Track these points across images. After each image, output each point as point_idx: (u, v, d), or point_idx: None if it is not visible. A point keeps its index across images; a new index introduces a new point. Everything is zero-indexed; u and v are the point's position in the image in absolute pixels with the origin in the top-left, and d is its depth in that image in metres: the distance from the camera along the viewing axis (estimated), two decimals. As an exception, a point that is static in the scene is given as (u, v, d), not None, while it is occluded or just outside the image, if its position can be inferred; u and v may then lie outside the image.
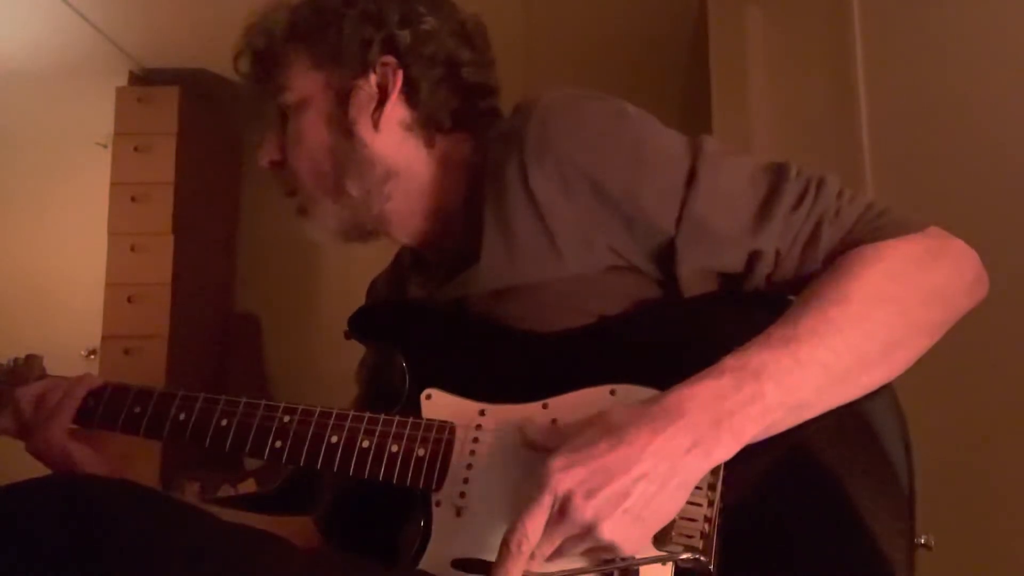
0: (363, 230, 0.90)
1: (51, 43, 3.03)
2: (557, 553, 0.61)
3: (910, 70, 1.59)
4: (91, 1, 2.78)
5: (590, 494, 0.59)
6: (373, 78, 0.85)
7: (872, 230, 0.72)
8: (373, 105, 0.85)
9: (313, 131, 0.86)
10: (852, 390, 0.67)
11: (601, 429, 0.62)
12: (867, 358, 0.66)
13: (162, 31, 3.04)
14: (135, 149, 3.15)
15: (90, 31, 2.95)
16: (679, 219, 0.74)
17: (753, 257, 0.74)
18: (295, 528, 0.95)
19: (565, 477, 0.59)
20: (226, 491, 2.73)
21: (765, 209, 0.74)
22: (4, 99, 3.37)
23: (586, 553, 0.63)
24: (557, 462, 0.60)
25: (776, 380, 0.63)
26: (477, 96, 0.89)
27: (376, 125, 0.85)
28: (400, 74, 0.84)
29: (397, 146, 0.86)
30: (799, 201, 0.74)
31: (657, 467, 0.60)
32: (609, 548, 0.61)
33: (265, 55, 0.88)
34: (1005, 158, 1.26)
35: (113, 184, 3.15)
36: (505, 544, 0.59)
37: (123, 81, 3.26)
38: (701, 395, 0.62)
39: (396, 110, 0.85)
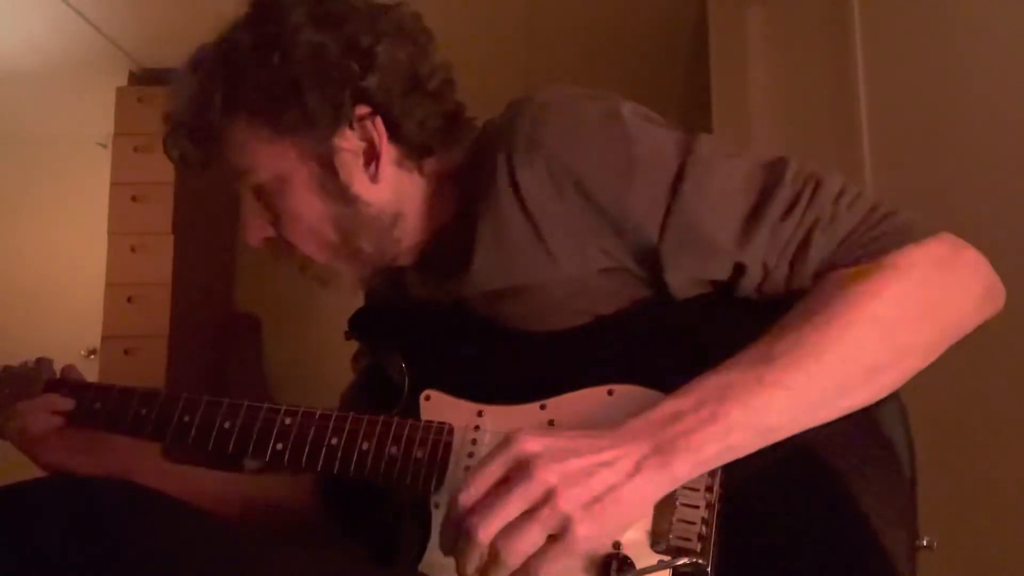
0: (378, 271, 0.89)
1: (51, 43, 3.03)
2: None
3: (910, 69, 1.59)
4: (91, 1, 2.78)
5: (554, 459, 0.58)
6: (350, 133, 0.80)
7: (871, 240, 0.69)
8: (362, 161, 0.81)
9: (307, 206, 0.81)
10: (829, 412, 0.64)
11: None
12: (846, 382, 0.64)
13: (162, 31, 3.03)
14: (135, 149, 3.14)
15: (90, 31, 2.95)
16: (663, 227, 0.73)
17: (738, 269, 0.72)
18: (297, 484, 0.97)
19: (534, 442, 0.59)
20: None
21: (752, 219, 0.71)
22: (4, 99, 3.37)
23: (572, 566, 0.61)
24: (526, 432, 0.60)
25: (742, 402, 0.61)
26: (444, 98, 0.84)
27: (374, 179, 0.81)
28: (379, 120, 0.80)
29: (395, 187, 0.83)
30: (790, 208, 0.70)
31: (622, 461, 0.59)
32: (573, 535, 0.57)
33: (207, 138, 0.81)
34: (1005, 157, 1.26)
35: (113, 184, 3.14)
36: (453, 501, 0.58)
37: (123, 81, 3.25)
38: (661, 413, 0.62)
39: (387, 153, 0.81)
